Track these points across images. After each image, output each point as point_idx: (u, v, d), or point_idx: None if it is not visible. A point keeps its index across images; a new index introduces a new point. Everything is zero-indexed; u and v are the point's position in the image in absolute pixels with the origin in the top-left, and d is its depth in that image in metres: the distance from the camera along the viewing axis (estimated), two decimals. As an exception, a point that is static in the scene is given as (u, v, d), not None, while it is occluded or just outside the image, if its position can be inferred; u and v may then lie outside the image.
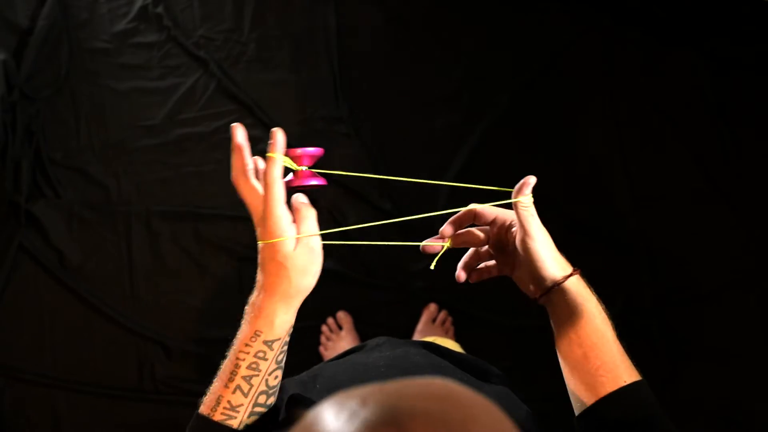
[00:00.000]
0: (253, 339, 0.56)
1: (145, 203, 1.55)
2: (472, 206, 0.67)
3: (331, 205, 1.53)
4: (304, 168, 0.62)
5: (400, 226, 1.54)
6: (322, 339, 1.49)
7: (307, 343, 1.49)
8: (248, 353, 0.56)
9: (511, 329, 1.49)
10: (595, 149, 1.58)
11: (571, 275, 0.61)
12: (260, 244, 0.57)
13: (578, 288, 0.60)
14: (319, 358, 1.48)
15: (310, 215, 0.57)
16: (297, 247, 0.56)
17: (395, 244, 0.66)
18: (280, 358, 0.58)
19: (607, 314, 0.61)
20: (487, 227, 0.67)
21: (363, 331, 1.50)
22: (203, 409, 0.57)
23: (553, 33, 1.63)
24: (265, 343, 0.56)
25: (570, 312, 0.60)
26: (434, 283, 1.52)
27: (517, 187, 0.63)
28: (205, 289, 1.52)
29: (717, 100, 1.58)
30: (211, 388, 0.58)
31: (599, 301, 0.62)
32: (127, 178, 1.57)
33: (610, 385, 0.58)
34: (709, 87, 1.59)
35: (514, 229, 0.64)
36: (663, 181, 1.56)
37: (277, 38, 1.63)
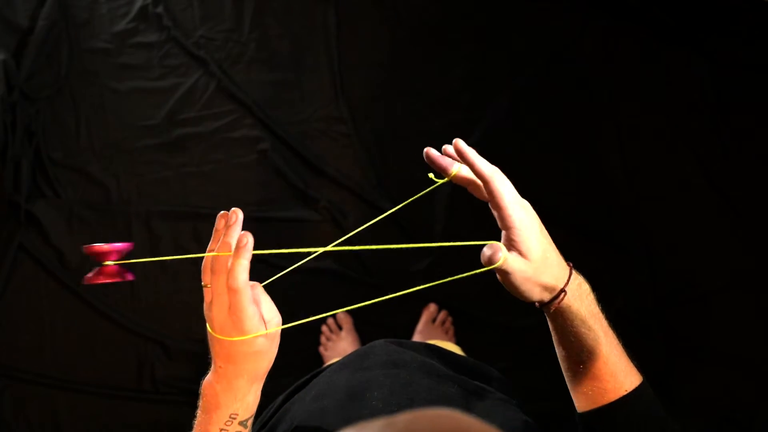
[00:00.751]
0: (229, 422, 0.56)
1: (145, 203, 1.55)
2: (456, 173, 0.61)
3: (331, 205, 1.53)
4: (110, 263, 0.59)
5: (401, 225, 1.54)
6: (322, 339, 1.49)
7: (307, 343, 1.49)
8: None
9: (511, 329, 1.49)
10: (595, 149, 1.58)
11: (557, 299, 0.56)
12: (216, 337, 0.57)
13: (565, 306, 0.56)
14: (319, 358, 1.48)
15: (266, 300, 0.57)
16: (267, 336, 0.56)
17: (394, 247, 0.62)
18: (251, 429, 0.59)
19: (606, 318, 0.59)
20: None
21: (363, 331, 1.50)
22: None
23: (553, 33, 1.63)
24: (241, 423, 0.56)
25: (560, 329, 0.58)
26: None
27: (484, 258, 0.57)
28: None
29: (717, 100, 1.58)
30: None
31: (597, 306, 0.59)
32: (127, 178, 1.57)
33: (610, 395, 0.58)
34: (709, 87, 1.59)
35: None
36: (663, 181, 1.56)
37: (277, 38, 1.63)
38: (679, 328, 1.49)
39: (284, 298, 1.66)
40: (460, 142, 0.58)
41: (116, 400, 1.48)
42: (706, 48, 1.60)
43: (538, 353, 1.49)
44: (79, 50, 1.62)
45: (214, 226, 0.57)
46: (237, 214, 0.55)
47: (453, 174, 0.61)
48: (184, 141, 1.58)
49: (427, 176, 0.62)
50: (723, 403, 1.44)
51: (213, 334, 0.56)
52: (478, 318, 1.50)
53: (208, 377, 0.58)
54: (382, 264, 1.53)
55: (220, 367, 0.56)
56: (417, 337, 1.48)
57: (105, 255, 0.58)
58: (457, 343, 1.48)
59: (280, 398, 0.76)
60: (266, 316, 0.56)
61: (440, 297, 1.51)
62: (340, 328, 1.49)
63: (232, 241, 0.54)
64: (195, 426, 0.58)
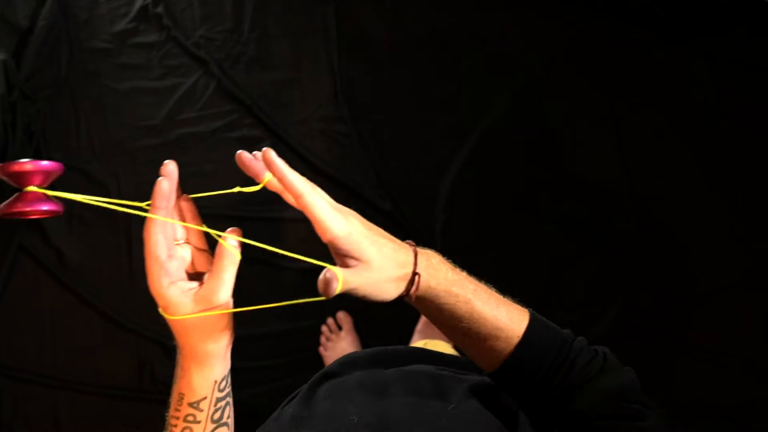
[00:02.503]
0: (179, 402, 0.53)
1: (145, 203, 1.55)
2: (267, 181, 0.56)
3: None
4: (33, 188, 0.46)
5: (401, 225, 1.54)
6: (322, 339, 1.49)
7: (307, 344, 1.49)
8: (178, 418, 0.53)
9: (511, 329, 1.49)
10: (595, 149, 1.58)
11: (412, 285, 0.54)
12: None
13: (426, 285, 0.54)
14: (319, 358, 1.48)
15: (227, 270, 0.51)
16: (194, 306, 0.51)
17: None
18: (216, 416, 0.54)
19: (466, 277, 0.56)
20: None
21: (363, 331, 1.50)
22: None
23: (554, 33, 1.63)
24: (191, 405, 0.53)
25: (427, 310, 0.57)
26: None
27: (320, 288, 0.52)
28: (205, 289, 1.52)
29: (717, 100, 1.58)
30: None
31: (458, 270, 0.56)
32: (127, 178, 1.57)
33: (507, 346, 0.56)
34: (709, 87, 1.59)
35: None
36: (663, 181, 1.56)
37: (277, 38, 1.63)
38: (679, 328, 1.49)
39: (282, 297, 1.66)
40: (269, 152, 0.53)
41: (116, 400, 1.48)
42: (706, 48, 1.60)
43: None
44: (79, 50, 1.62)
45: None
46: (168, 167, 0.53)
47: (265, 181, 0.56)
48: (184, 141, 1.58)
49: (249, 185, 0.58)
50: (723, 403, 1.44)
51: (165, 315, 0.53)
52: (478, 318, 1.50)
53: None
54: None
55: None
56: (417, 337, 1.48)
57: (26, 176, 0.45)
58: (457, 343, 1.48)
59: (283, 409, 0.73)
60: (212, 287, 0.51)
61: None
62: (340, 328, 1.49)
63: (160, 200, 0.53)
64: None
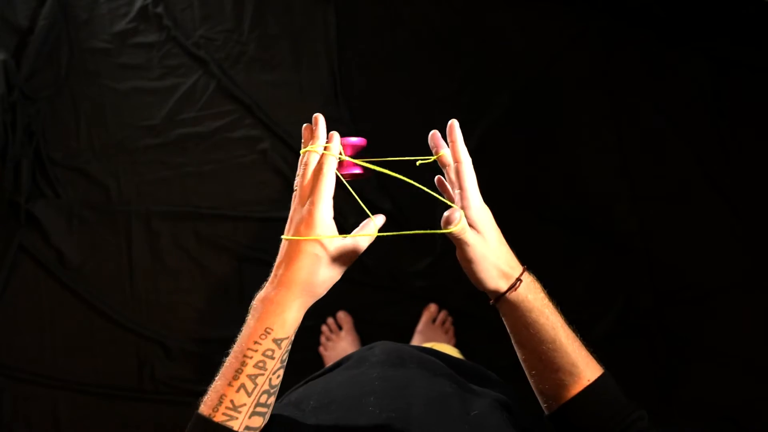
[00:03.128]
0: (263, 336, 0.55)
1: (145, 203, 1.55)
2: (442, 154, 0.66)
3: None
4: (346, 158, 0.64)
5: (401, 225, 1.54)
6: (322, 339, 1.49)
7: (307, 344, 1.49)
8: (256, 351, 0.55)
9: (511, 329, 1.49)
10: (595, 149, 1.58)
11: (514, 286, 0.60)
12: (284, 239, 0.58)
13: (522, 296, 0.60)
14: (319, 358, 1.49)
15: (365, 239, 0.61)
16: (336, 249, 0.58)
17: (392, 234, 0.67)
18: (284, 357, 0.57)
19: (559, 314, 0.62)
20: None
21: (363, 331, 1.50)
22: (204, 409, 0.55)
23: (554, 33, 1.63)
24: (275, 341, 0.55)
25: (517, 321, 0.61)
26: (434, 283, 1.52)
27: (443, 220, 0.61)
28: (205, 289, 1.52)
29: (717, 100, 1.58)
30: (212, 386, 0.56)
31: (549, 303, 0.62)
32: (127, 178, 1.57)
33: (573, 388, 0.59)
34: (709, 87, 1.59)
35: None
36: (663, 181, 1.56)
37: (277, 38, 1.63)
38: (679, 328, 1.49)
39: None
40: (455, 123, 0.65)
41: (116, 400, 1.48)
42: (706, 48, 1.60)
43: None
44: (79, 50, 1.62)
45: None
46: (319, 117, 0.63)
47: (440, 154, 0.66)
48: (184, 141, 1.58)
49: (415, 163, 0.70)
50: (723, 403, 1.44)
51: (284, 238, 0.59)
52: (478, 318, 1.50)
53: (261, 290, 0.58)
54: (382, 264, 1.53)
55: (275, 275, 0.57)
56: (417, 337, 1.48)
57: (342, 148, 0.63)
58: (457, 343, 1.49)
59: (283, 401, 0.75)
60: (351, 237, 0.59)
61: (440, 297, 1.51)
62: (340, 328, 1.49)
63: (321, 139, 0.62)
64: (237, 339, 0.57)
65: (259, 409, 0.56)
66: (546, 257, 1.51)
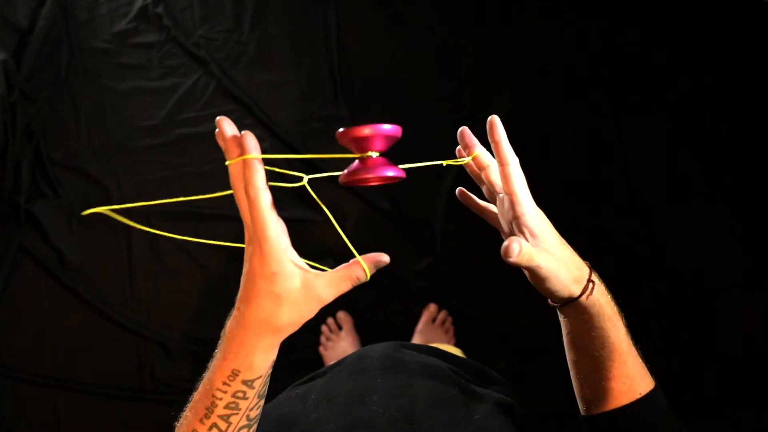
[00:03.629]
0: (231, 378, 0.50)
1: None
2: (477, 154, 0.60)
3: (331, 205, 1.53)
4: (374, 155, 0.42)
5: (401, 225, 1.54)
6: (322, 339, 1.49)
7: (307, 344, 1.49)
8: (226, 392, 0.50)
9: (511, 329, 1.49)
10: (595, 149, 1.58)
11: (587, 290, 0.54)
12: (246, 267, 0.50)
13: (595, 299, 0.55)
14: (319, 358, 1.48)
15: (348, 283, 0.51)
16: (302, 287, 0.49)
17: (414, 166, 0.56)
18: (262, 391, 0.52)
19: (623, 320, 0.57)
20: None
21: (363, 331, 1.50)
22: None
23: (554, 32, 1.63)
24: (244, 382, 0.50)
25: (583, 326, 0.56)
26: (434, 283, 1.52)
27: (502, 252, 0.52)
28: (205, 289, 1.52)
29: (717, 100, 1.58)
30: (184, 416, 0.52)
31: (615, 308, 0.57)
32: (127, 178, 1.57)
33: (623, 398, 0.56)
34: (709, 87, 1.59)
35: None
36: (663, 181, 1.56)
37: (277, 38, 1.63)
38: (679, 328, 1.49)
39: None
40: (496, 120, 0.57)
41: (116, 400, 1.48)
42: (706, 48, 1.60)
43: (538, 353, 1.49)
44: (79, 50, 1.62)
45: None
46: (223, 122, 0.51)
47: (474, 154, 0.61)
48: (184, 141, 1.58)
49: (442, 164, 0.62)
50: (723, 403, 1.44)
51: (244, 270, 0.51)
52: (478, 318, 1.50)
53: (229, 317, 0.52)
54: (382, 264, 1.53)
55: (238, 310, 0.50)
56: (417, 338, 1.48)
57: (367, 141, 0.40)
58: (457, 343, 1.49)
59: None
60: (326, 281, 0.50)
61: (440, 297, 1.51)
62: (340, 328, 1.49)
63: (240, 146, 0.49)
64: (208, 369, 0.52)
65: None
66: (546, 257, 1.51)
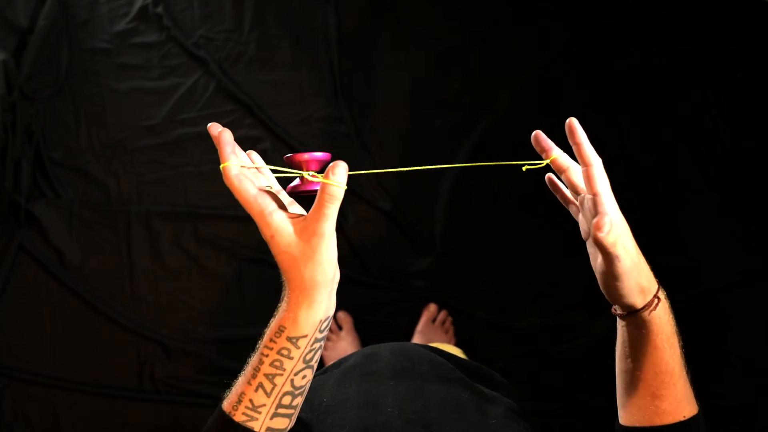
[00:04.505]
0: (277, 335, 0.52)
1: (145, 203, 1.55)
2: (555, 157, 0.61)
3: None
4: (309, 174, 0.57)
5: (401, 225, 1.54)
6: (322, 339, 1.49)
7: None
8: (272, 349, 0.52)
9: (511, 329, 1.49)
10: (594, 149, 1.58)
11: (651, 305, 0.55)
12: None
13: (656, 317, 0.56)
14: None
15: (330, 205, 0.52)
16: (298, 234, 0.51)
17: (462, 166, 0.62)
18: (309, 357, 0.53)
19: (680, 342, 0.58)
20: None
21: (363, 331, 1.50)
22: (226, 406, 0.53)
23: (553, 32, 1.63)
24: (289, 339, 0.52)
25: (640, 340, 0.56)
26: (434, 283, 1.52)
27: (593, 226, 0.52)
28: (205, 289, 1.52)
29: (717, 100, 1.58)
30: (236, 382, 0.54)
31: (675, 328, 0.57)
32: (127, 178, 1.57)
33: (667, 418, 0.56)
34: (709, 87, 1.59)
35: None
36: (662, 181, 1.56)
37: (277, 38, 1.63)
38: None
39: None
40: (575, 121, 0.59)
41: (116, 400, 1.48)
42: (706, 48, 1.60)
43: (538, 353, 1.49)
44: (79, 50, 1.62)
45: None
46: (213, 129, 0.56)
47: (552, 157, 0.61)
48: (184, 141, 1.58)
49: (521, 168, 0.63)
50: (723, 403, 1.44)
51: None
52: (478, 318, 1.50)
53: None
54: (382, 264, 1.53)
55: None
56: (417, 338, 1.48)
57: (306, 164, 0.57)
58: (457, 343, 1.49)
59: None
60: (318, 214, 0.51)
61: (440, 297, 1.51)
62: (340, 328, 1.49)
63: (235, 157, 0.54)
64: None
65: (281, 410, 0.53)
66: (546, 257, 1.52)
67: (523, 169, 0.62)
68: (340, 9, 1.64)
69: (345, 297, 1.56)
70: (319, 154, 0.58)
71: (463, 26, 1.64)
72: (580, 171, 0.59)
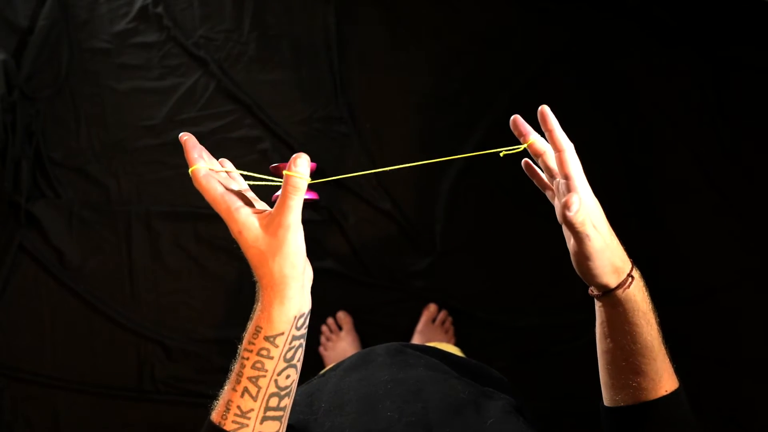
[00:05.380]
0: (255, 336, 0.53)
1: (145, 203, 1.55)
2: (532, 141, 0.62)
3: (331, 205, 1.53)
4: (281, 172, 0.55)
5: (401, 225, 1.54)
6: (322, 339, 1.49)
7: (307, 343, 1.49)
8: (251, 352, 0.52)
9: (511, 329, 1.49)
10: (595, 150, 1.58)
11: (625, 283, 0.57)
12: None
13: (630, 294, 0.57)
14: (318, 358, 1.49)
15: (294, 197, 0.52)
16: (264, 228, 0.52)
17: (459, 157, 0.62)
18: (289, 355, 0.54)
19: (656, 319, 0.59)
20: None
21: (363, 331, 1.50)
22: (214, 417, 0.53)
23: (554, 32, 1.63)
24: (267, 339, 0.52)
25: (617, 319, 0.58)
26: (434, 283, 1.52)
27: (561, 205, 0.54)
28: (205, 289, 1.52)
29: (717, 100, 1.58)
30: (221, 392, 0.54)
31: (650, 305, 0.59)
32: (127, 178, 1.57)
33: (649, 394, 0.58)
34: (709, 87, 1.59)
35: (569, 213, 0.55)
36: (662, 181, 1.56)
37: (277, 38, 1.63)
38: (679, 327, 1.49)
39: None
40: (546, 108, 0.60)
41: (116, 400, 1.48)
42: (706, 48, 1.60)
43: (538, 353, 1.49)
44: (79, 50, 1.62)
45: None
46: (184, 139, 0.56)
47: (530, 142, 0.62)
48: (184, 141, 1.58)
49: (499, 155, 0.64)
50: (723, 403, 1.44)
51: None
52: (478, 318, 1.50)
53: None
54: (382, 264, 1.53)
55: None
56: (417, 337, 1.48)
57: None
58: (457, 343, 1.49)
59: None
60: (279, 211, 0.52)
61: (440, 297, 1.51)
62: (340, 328, 1.49)
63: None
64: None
65: (270, 413, 0.53)
66: (546, 257, 1.52)
67: (501, 154, 0.63)
68: (340, 9, 1.64)
69: (345, 297, 1.56)
70: None
71: (463, 26, 1.64)
72: (553, 156, 0.61)
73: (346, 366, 0.76)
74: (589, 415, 1.53)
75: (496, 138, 1.57)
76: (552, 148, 0.60)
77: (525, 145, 0.62)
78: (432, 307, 1.50)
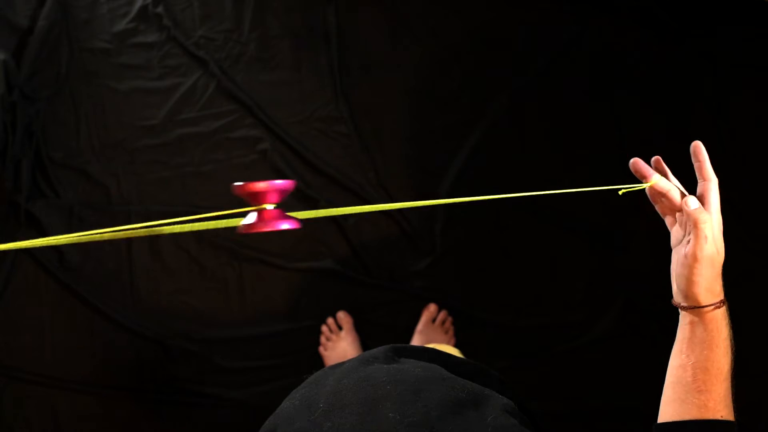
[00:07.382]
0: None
1: (145, 203, 1.55)
2: (655, 182, 0.68)
3: (330, 206, 1.53)
4: (270, 207, 0.46)
5: (401, 225, 1.54)
6: (322, 339, 1.49)
7: (307, 343, 1.49)
8: None
9: (510, 329, 1.49)
10: (595, 149, 1.58)
11: (714, 307, 0.61)
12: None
13: (716, 317, 0.62)
14: (318, 358, 1.48)
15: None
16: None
17: (571, 192, 0.70)
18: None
19: (732, 349, 0.63)
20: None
21: (363, 331, 1.50)
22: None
23: (554, 33, 1.63)
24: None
25: (698, 337, 0.62)
26: (434, 283, 1.52)
27: (699, 193, 0.64)
28: (205, 289, 1.52)
29: (717, 99, 1.58)
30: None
31: (730, 334, 0.63)
32: (127, 178, 1.57)
33: (707, 413, 0.60)
34: (709, 87, 1.59)
35: (687, 237, 0.63)
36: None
37: (277, 38, 1.63)
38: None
39: (284, 297, 1.66)
40: (700, 145, 0.69)
41: (116, 400, 1.48)
42: (706, 48, 1.60)
43: (538, 353, 1.49)
44: (79, 50, 1.62)
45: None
46: None
47: (652, 183, 0.68)
48: (184, 141, 1.58)
49: (617, 192, 0.69)
50: (723, 403, 1.44)
51: None
52: (478, 318, 1.50)
53: None
54: (382, 264, 1.53)
55: None
56: (417, 338, 1.48)
57: (262, 196, 0.46)
58: (457, 343, 1.49)
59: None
60: None
61: (440, 297, 1.51)
62: (340, 328, 1.49)
63: None
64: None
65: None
66: (546, 257, 1.52)
67: (620, 192, 0.69)
68: (340, 9, 1.64)
69: (345, 297, 1.56)
70: (279, 183, 0.47)
71: (463, 26, 1.64)
72: (678, 192, 0.68)
73: (345, 368, 0.76)
74: (589, 415, 1.53)
75: (497, 138, 1.57)
76: (698, 177, 0.68)
77: (647, 185, 0.68)
78: (432, 307, 1.50)
